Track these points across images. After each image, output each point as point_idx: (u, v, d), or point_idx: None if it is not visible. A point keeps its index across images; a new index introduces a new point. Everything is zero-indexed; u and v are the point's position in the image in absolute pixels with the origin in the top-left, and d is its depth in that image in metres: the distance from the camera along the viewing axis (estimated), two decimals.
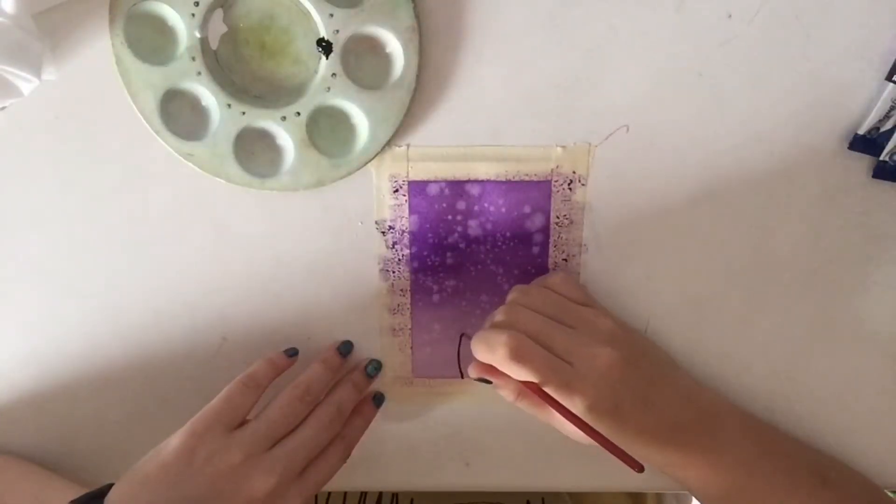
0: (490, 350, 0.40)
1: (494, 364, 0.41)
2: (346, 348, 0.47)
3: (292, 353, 0.45)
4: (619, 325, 0.43)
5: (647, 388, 0.42)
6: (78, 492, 0.39)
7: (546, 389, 0.40)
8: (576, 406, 0.40)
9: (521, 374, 0.40)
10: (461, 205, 0.45)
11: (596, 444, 0.39)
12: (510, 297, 0.44)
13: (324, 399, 0.44)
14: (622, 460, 0.38)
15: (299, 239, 0.45)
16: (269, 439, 0.40)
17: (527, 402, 0.44)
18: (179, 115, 0.42)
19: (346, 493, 0.61)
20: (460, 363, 0.48)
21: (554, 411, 0.40)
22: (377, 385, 0.48)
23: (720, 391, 0.47)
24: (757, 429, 0.45)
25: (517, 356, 0.39)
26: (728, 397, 0.47)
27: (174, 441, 0.39)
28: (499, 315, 0.42)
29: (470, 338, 0.43)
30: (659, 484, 0.50)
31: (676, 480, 0.44)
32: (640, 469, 0.38)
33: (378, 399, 0.48)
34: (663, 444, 0.42)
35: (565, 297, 0.44)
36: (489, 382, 0.43)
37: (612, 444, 0.39)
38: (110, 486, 0.38)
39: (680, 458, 0.42)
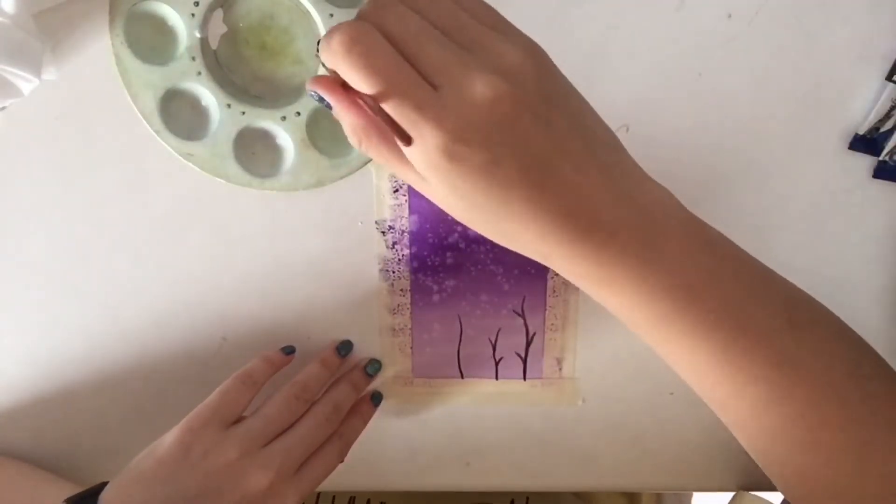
0: (327, 42, 0.29)
1: (330, 63, 0.29)
2: (345, 348, 0.47)
3: (289, 351, 0.45)
4: (539, 63, 0.31)
5: (553, 152, 0.29)
6: (73, 490, 0.39)
7: (386, 107, 0.28)
8: (424, 141, 0.28)
9: (358, 77, 0.28)
10: None
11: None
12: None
13: (321, 397, 0.44)
14: (395, 134, 0.28)
15: (299, 239, 0.45)
16: (266, 436, 0.40)
17: (374, 144, 0.31)
18: (179, 115, 0.42)
19: (318, 494, 0.60)
20: (460, 363, 0.48)
21: (395, 154, 0.30)
22: (376, 384, 0.48)
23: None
24: (712, 244, 0.34)
25: (356, 50, 0.28)
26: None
27: (169, 438, 0.39)
28: (364, 5, 0.30)
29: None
30: (659, 484, 0.50)
31: (596, 298, 0.34)
32: (408, 142, 0.28)
33: (376, 398, 0.48)
34: (571, 240, 0.30)
35: (472, 13, 0.31)
36: (328, 107, 0.31)
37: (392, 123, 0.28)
38: (105, 483, 0.38)
39: (595, 266, 0.31)
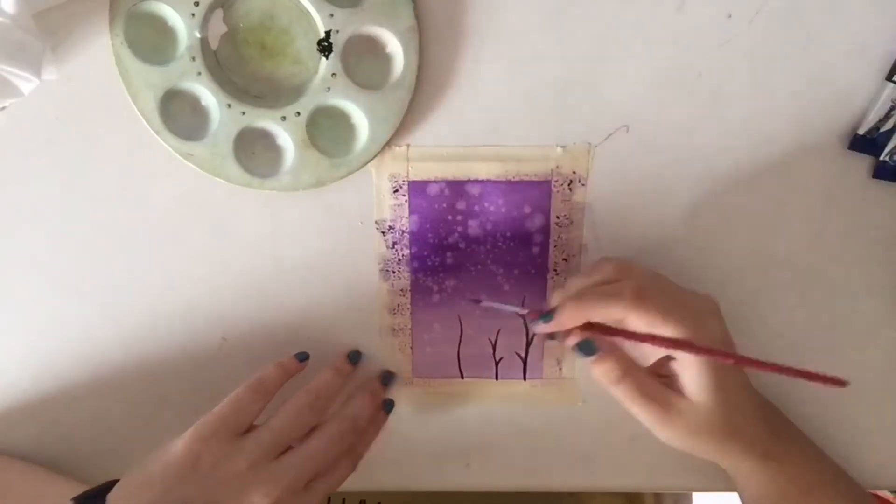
0: (615, 294, 0.38)
1: (610, 314, 0.38)
2: (355, 357, 0.46)
3: (302, 358, 0.44)
4: None
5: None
6: (75, 490, 0.39)
7: (678, 333, 0.37)
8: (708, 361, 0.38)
9: (646, 317, 0.37)
10: (461, 205, 0.45)
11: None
12: (603, 264, 0.41)
13: (339, 411, 0.43)
14: (820, 381, 0.37)
15: (299, 239, 0.45)
16: (276, 448, 0.40)
17: (629, 384, 0.40)
18: (179, 115, 0.42)
19: None
20: (460, 363, 0.48)
21: (652, 403, 0.39)
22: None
23: None
24: (817, 454, 0.46)
25: (641, 297, 0.37)
26: None
27: (179, 444, 0.39)
28: (606, 267, 0.40)
29: (479, 302, 0.41)
30: (658, 484, 0.50)
31: (730, 472, 0.44)
32: (842, 384, 0.37)
33: (388, 406, 0.47)
34: (754, 441, 0.42)
35: None
36: (591, 353, 0.40)
37: (796, 370, 0.38)
38: (111, 483, 0.38)
39: (749, 458, 0.42)
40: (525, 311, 0.42)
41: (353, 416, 0.43)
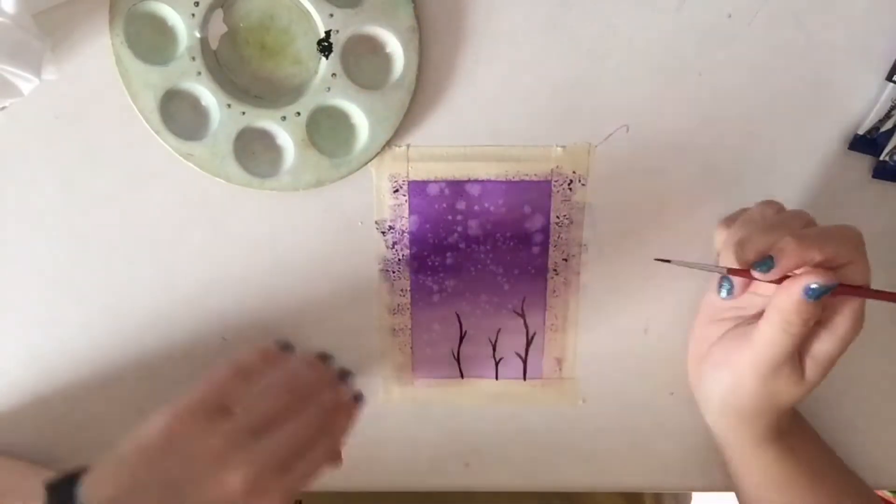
0: (840, 236, 0.37)
1: (838, 256, 0.36)
2: (326, 358, 0.46)
3: (285, 347, 0.44)
4: None
5: None
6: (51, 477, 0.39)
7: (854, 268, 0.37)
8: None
9: (865, 264, 0.37)
10: (461, 205, 0.45)
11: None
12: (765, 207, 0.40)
13: (310, 398, 0.43)
14: None
15: (299, 239, 0.45)
16: (254, 430, 0.39)
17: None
18: (179, 115, 0.42)
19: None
20: (460, 363, 0.48)
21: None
22: (375, 386, 0.48)
23: None
24: (822, 442, 0.46)
25: (861, 242, 0.37)
26: None
27: (154, 423, 0.38)
28: (768, 209, 0.39)
29: (669, 262, 0.39)
30: (658, 484, 0.50)
31: (733, 454, 0.44)
32: None
33: (358, 397, 0.46)
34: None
35: None
36: (824, 292, 0.37)
37: None
38: (84, 468, 0.37)
39: (764, 439, 0.42)
40: (724, 268, 0.37)
41: (323, 401, 0.42)
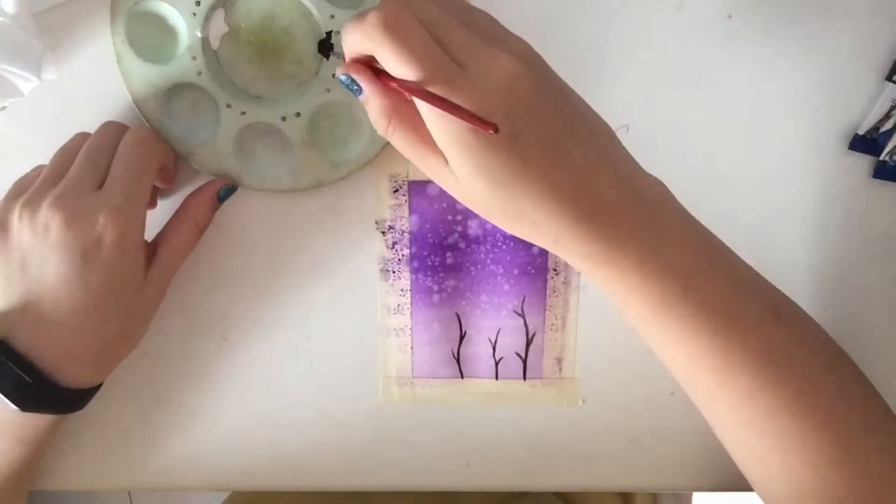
0: (359, 22, 0.30)
1: (361, 43, 0.31)
2: (224, 193, 0.43)
3: (224, 194, 0.42)
4: (541, 58, 0.33)
5: (563, 133, 0.32)
6: None
7: (420, 82, 0.30)
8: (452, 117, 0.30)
9: (393, 54, 0.30)
10: (461, 205, 0.45)
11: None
12: None
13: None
14: (470, 121, 0.30)
15: (299, 239, 0.45)
16: (48, 181, 0.38)
17: (401, 127, 0.33)
18: (180, 114, 0.42)
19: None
20: (460, 363, 0.48)
21: (419, 138, 0.32)
22: (374, 390, 0.48)
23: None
24: (704, 235, 0.36)
25: (391, 26, 0.30)
26: None
27: None
28: None
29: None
30: (658, 484, 0.50)
31: (592, 278, 0.35)
32: (495, 129, 0.29)
33: (225, 191, 0.43)
34: (578, 218, 0.32)
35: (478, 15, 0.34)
36: (357, 92, 0.33)
37: (458, 108, 0.30)
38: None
39: (600, 247, 0.33)
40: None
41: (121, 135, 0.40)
